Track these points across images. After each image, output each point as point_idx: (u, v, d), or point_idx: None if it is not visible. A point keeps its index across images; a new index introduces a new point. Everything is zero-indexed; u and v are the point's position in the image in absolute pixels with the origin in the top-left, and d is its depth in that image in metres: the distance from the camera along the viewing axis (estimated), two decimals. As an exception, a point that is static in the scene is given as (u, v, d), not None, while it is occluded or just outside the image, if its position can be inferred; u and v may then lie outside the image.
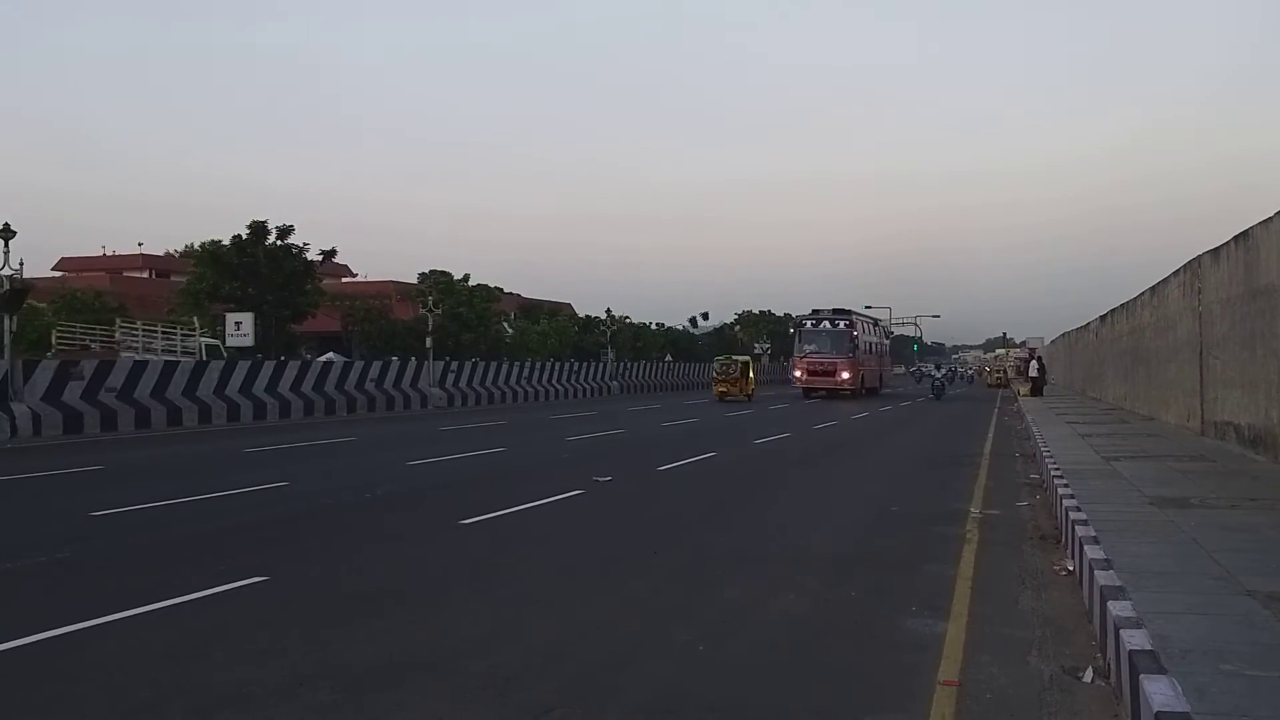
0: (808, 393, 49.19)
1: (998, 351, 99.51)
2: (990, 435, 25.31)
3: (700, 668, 6.06)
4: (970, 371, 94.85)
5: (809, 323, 51.57)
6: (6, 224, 22.23)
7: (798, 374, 50.26)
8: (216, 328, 47.59)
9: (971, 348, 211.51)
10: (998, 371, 74.60)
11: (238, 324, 44.53)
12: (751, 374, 48.61)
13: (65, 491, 12.92)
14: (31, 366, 22.38)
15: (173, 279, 65.84)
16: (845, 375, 48.94)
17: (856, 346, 50.37)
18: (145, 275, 75.92)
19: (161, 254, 77.44)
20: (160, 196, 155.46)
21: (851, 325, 50.89)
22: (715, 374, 48.06)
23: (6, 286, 22.23)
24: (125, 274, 73.60)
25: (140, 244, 79.67)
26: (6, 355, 21.62)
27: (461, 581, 8.36)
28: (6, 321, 22.07)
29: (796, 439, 23.62)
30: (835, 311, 51.81)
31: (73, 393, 22.67)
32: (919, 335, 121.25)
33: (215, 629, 6.78)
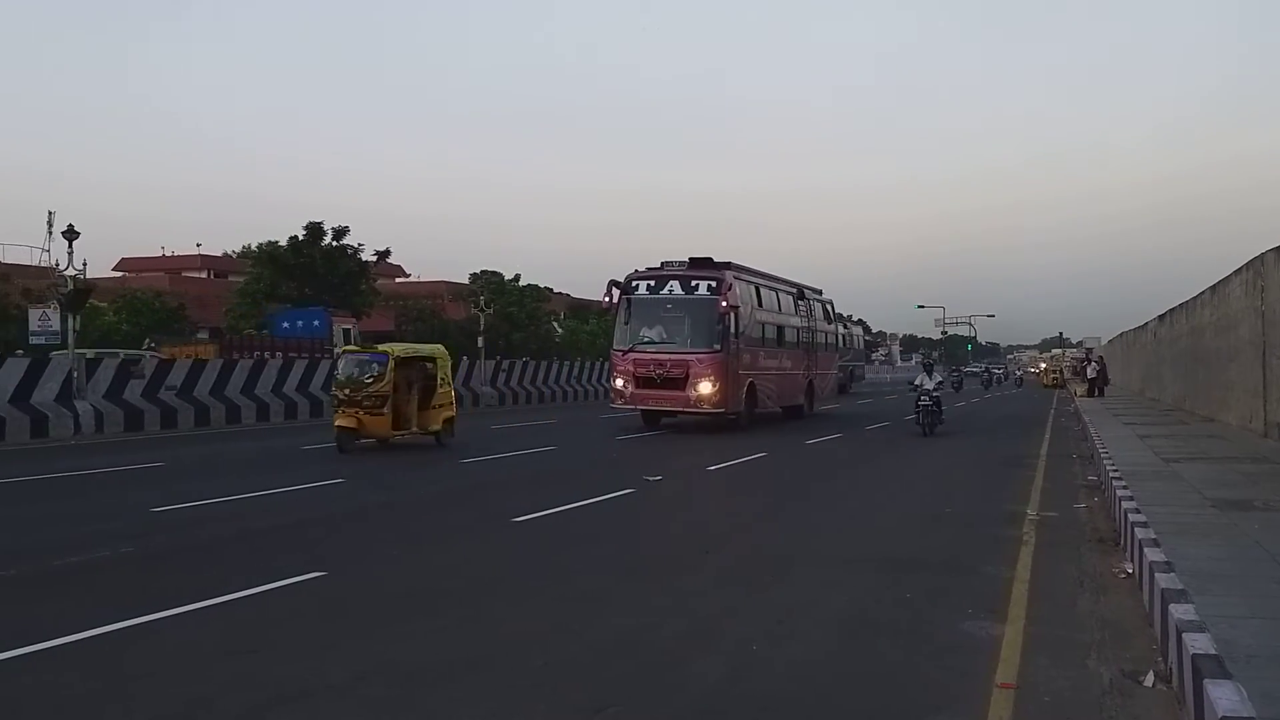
0: (648, 419, 25.54)
1: (1054, 352, 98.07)
2: (1046, 437, 24.99)
3: (754, 667, 6.04)
4: (1019, 372, 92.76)
5: (642, 287, 25.48)
6: (70, 225, 22.72)
7: (619, 383, 25.09)
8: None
9: (1027, 347, 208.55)
10: (1054, 372, 73.59)
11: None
12: (444, 382, 20.31)
13: (127, 488, 13.17)
14: (94, 365, 22.85)
15: (230, 279, 66.92)
16: (704, 387, 24.20)
17: (735, 332, 25.12)
18: (204, 275, 77.24)
19: (219, 254, 78.70)
20: (219, 197, 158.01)
21: (720, 289, 24.83)
22: (334, 394, 19.77)
23: (70, 287, 22.73)
24: (184, 274, 74.94)
25: (199, 245, 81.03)
26: (71, 354, 22.10)
27: (513, 579, 8.40)
28: (70, 321, 22.56)
29: (848, 440, 23.47)
30: (693, 265, 25.68)
31: (134, 391, 23.11)
32: (973, 335, 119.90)
33: (273, 624, 6.88)
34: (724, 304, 24.38)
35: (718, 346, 24.29)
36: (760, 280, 28.35)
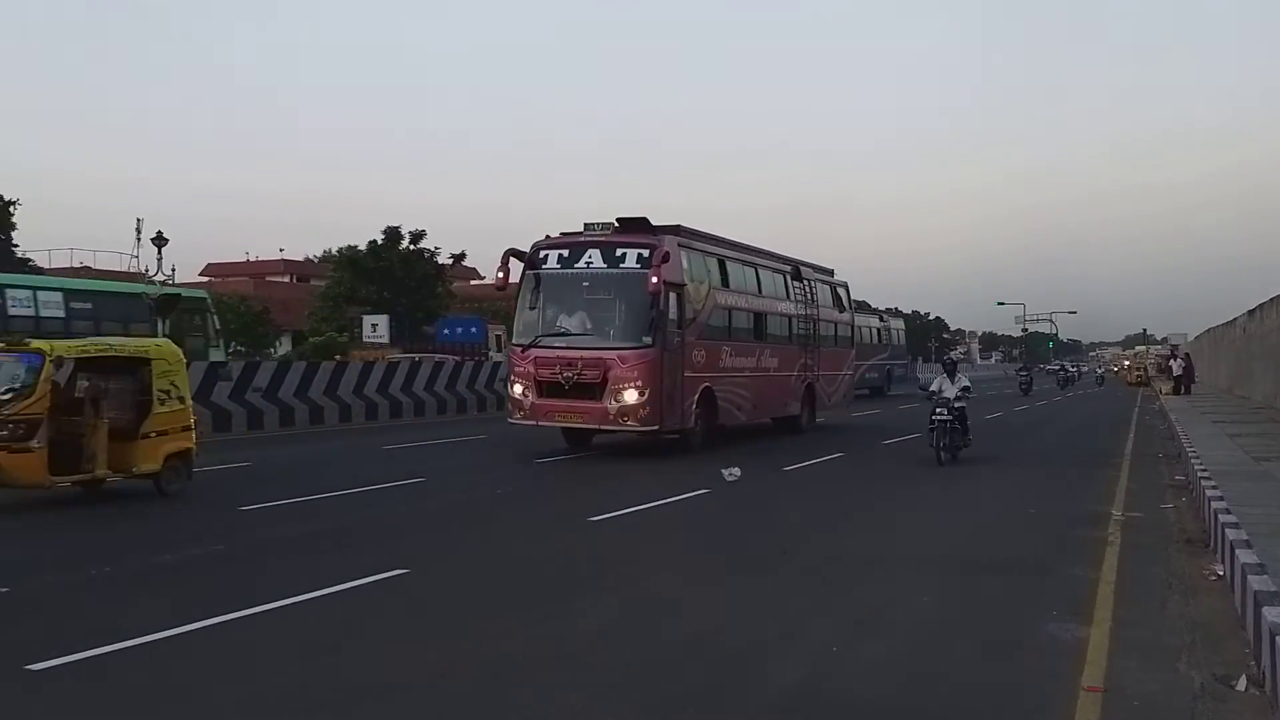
0: (573, 437, 18.84)
1: (1137, 349, 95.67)
2: (1131, 435, 24.43)
3: (834, 668, 6.03)
4: (1100, 370, 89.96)
5: (552, 259, 18.31)
6: (160, 232, 23.48)
7: (518, 390, 17.99)
8: (354, 329, 49.18)
9: (1109, 344, 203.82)
10: (1137, 369, 71.81)
11: (374, 325, 46.06)
12: (169, 396, 12.50)
13: (217, 487, 13.51)
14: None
15: (312, 283, 68.35)
16: (629, 395, 17.01)
17: (679, 319, 18.00)
18: (286, 280, 79.02)
19: (301, 259, 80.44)
20: (300, 204, 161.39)
21: (653, 259, 17.39)
22: None
23: (161, 291, 23.42)
24: (267, 278, 76.75)
25: (281, 250, 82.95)
26: None
27: (592, 577, 8.49)
28: (160, 325, 23.21)
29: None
30: (622, 229, 18.54)
31: (221, 393, 23.69)
32: (1055, 332, 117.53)
33: (358, 620, 7.03)
34: (655, 280, 16.75)
35: (648, 339, 17.01)
36: (726, 251, 20.74)
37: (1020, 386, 49.34)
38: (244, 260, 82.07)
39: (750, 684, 5.66)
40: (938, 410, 16.81)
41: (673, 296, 17.54)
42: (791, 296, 23.41)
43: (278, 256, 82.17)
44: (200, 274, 75.04)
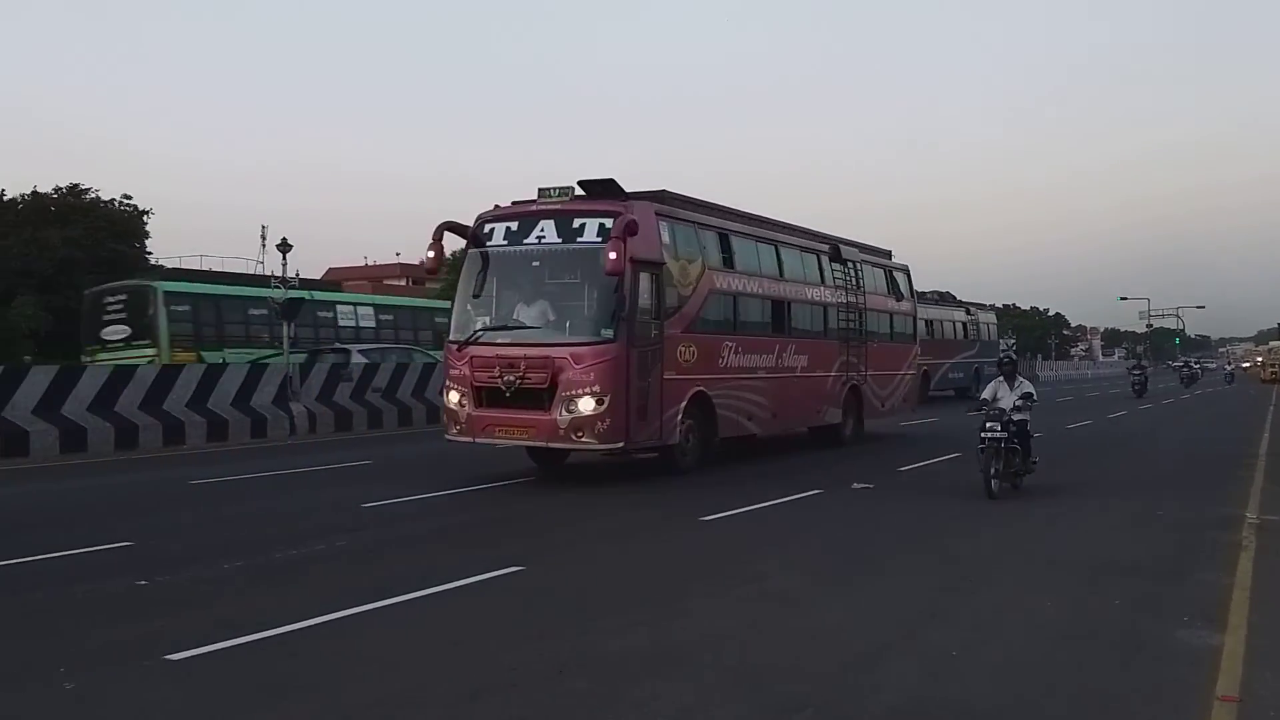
0: (538, 455, 15.07)
1: (1271, 344, 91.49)
2: (1266, 435, 23.37)
3: (953, 672, 5.92)
4: (1230, 367, 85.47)
5: (498, 233, 14.60)
6: (284, 239, 24.26)
7: (453, 399, 14.19)
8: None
9: (1241, 340, 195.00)
10: (1272, 365, 68.56)
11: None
12: None
13: (339, 485, 13.90)
14: (307, 369, 24.25)
15: (427, 285, 69.79)
16: (584, 403, 13.20)
17: (654, 306, 14.19)
18: (403, 283, 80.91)
19: (417, 263, 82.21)
20: (413, 207, 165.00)
21: (617, 231, 13.40)
22: None
23: (286, 296, 24.22)
24: (385, 282, 78.70)
25: (398, 254, 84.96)
26: (286, 359, 23.53)
27: (705, 576, 8.48)
28: (286, 328, 24.02)
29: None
30: (585, 195, 14.60)
31: (343, 393, 24.38)
32: (1181, 328, 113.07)
33: (477, 616, 7.16)
34: (615, 256, 13.16)
35: (608, 332, 13.54)
36: (730, 224, 16.94)
37: (1133, 387, 43.29)
38: (363, 265, 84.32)
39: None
40: (989, 425, 12.71)
41: (645, 278, 13.92)
42: (829, 281, 19.39)
43: (394, 260, 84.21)
44: (322, 277, 77.35)
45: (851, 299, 19.82)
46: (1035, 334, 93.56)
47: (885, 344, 21.52)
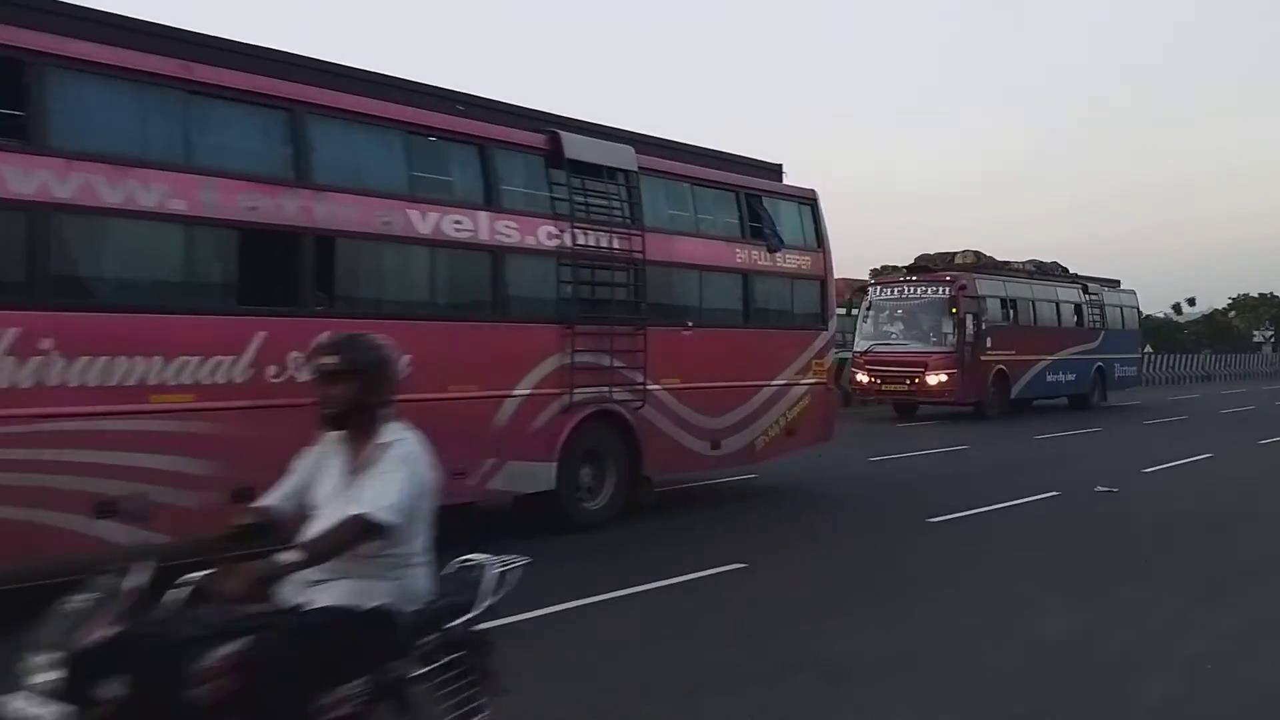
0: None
1: None
2: None
3: (1208, 687, 5.54)
4: None
5: None
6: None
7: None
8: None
9: None
10: None
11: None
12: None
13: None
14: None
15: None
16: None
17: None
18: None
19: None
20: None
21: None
22: None
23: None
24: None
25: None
26: None
27: (933, 580, 8.26)
28: None
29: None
30: None
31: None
32: None
33: (700, 611, 7.22)
34: None
35: None
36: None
37: None
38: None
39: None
40: None
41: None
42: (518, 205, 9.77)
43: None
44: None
45: (598, 242, 10.28)
46: (1258, 315, 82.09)
47: (729, 330, 11.93)
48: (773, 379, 12.27)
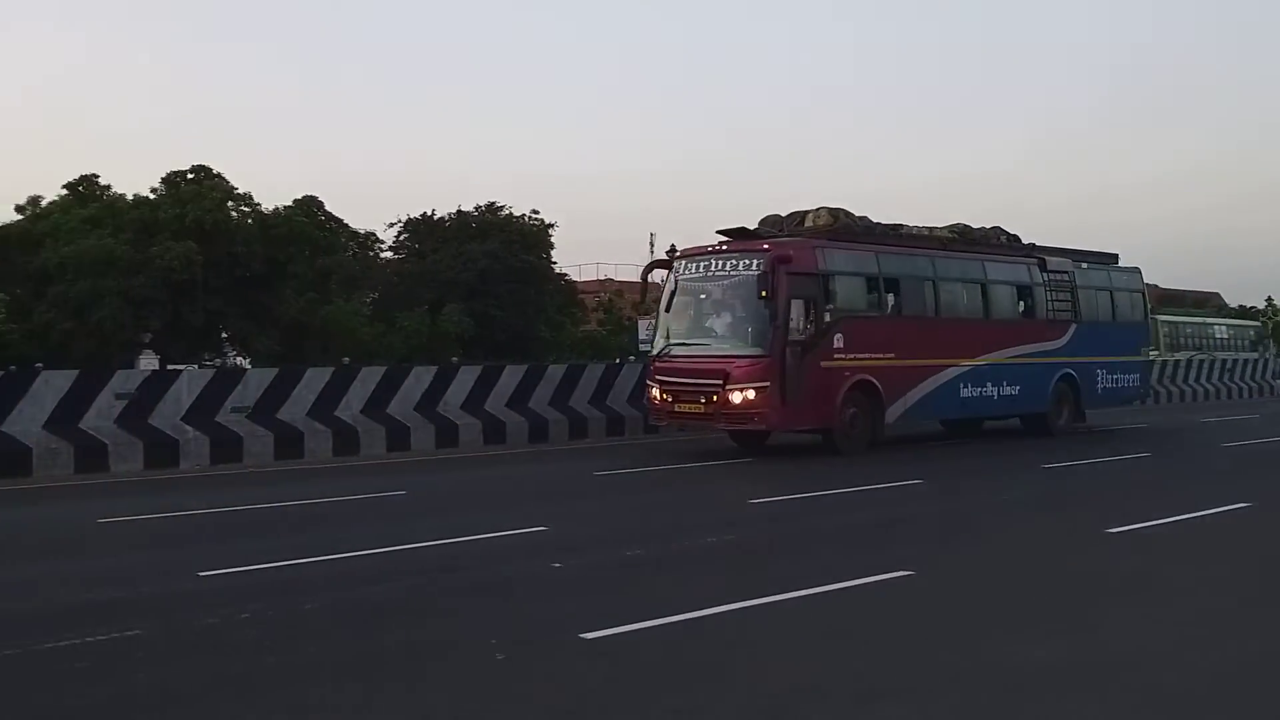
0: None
1: None
2: None
3: None
4: None
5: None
6: (673, 245, 24.95)
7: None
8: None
9: None
10: None
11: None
12: None
13: (723, 481, 14.35)
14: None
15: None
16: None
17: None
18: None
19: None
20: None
21: None
22: None
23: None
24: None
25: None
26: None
27: (1113, 594, 7.93)
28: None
29: None
30: None
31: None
32: None
33: (867, 618, 7.13)
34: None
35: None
36: None
37: None
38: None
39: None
40: None
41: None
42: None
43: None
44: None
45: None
46: None
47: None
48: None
